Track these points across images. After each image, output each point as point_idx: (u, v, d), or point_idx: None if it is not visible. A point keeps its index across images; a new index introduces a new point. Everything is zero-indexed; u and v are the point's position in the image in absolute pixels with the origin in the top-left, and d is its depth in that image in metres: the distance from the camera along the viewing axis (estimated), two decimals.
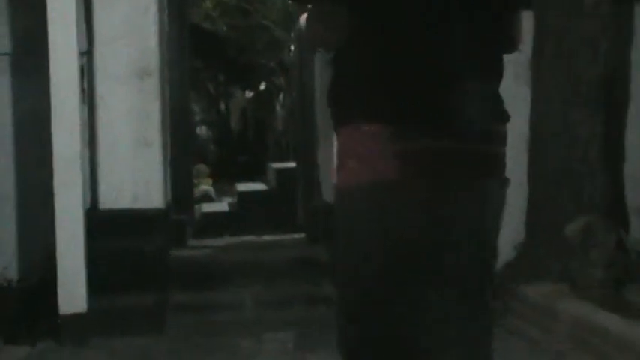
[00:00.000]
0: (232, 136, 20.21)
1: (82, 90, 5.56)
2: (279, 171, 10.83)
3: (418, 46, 1.94)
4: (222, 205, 11.15)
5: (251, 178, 13.65)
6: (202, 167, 14.23)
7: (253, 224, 8.40)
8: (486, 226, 2.04)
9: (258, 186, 11.90)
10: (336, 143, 2.08)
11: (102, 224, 5.43)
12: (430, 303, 1.98)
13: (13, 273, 5.85)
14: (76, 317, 4.97)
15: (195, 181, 12.92)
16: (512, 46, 2.12)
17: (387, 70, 1.95)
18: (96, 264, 5.15)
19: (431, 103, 1.94)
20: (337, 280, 2.07)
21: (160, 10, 5.86)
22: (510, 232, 4.90)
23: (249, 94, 20.35)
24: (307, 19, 2.11)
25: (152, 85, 5.65)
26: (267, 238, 7.54)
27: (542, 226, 5.40)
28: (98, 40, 5.62)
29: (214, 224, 8.98)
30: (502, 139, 2.04)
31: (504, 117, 2.05)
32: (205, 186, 12.96)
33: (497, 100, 2.06)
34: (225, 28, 16.22)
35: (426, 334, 1.99)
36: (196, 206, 10.29)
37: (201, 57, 15.25)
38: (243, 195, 10.63)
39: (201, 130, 21.00)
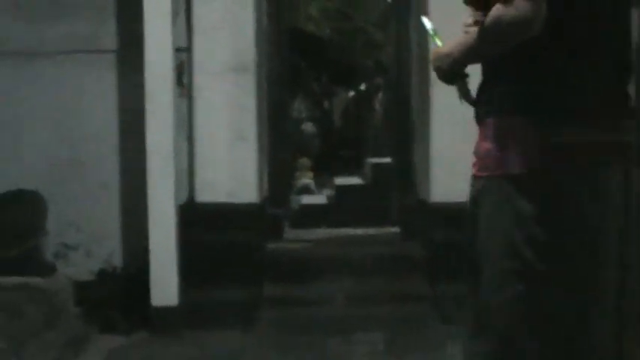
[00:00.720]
0: (334, 132, 19.90)
1: (182, 84, 5.18)
2: (376, 165, 10.24)
3: (576, 47, 1.96)
4: (320, 198, 10.61)
5: (350, 172, 13.12)
6: (305, 161, 13.75)
7: (349, 217, 7.85)
8: (630, 211, 2.01)
9: (355, 180, 11.35)
10: (480, 135, 2.04)
11: (197, 217, 4.97)
12: (571, 293, 1.93)
13: (117, 260, 5.48)
14: (167, 310, 4.52)
15: (297, 174, 12.47)
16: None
17: (549, 68, 1.95)
18: (190, 257, 4.70)
19: (579, 97, 1.95)
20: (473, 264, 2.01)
21: (257, 6, 5.35)
22: None
23: (350, 93, 20.03)
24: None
25: (248, 80, 5.14)
26: (361, 232, 6.96)
27: None
28: (196, 35, 5.15)
29: (312, 216, 8.47)
30: (633, 129, 2.05)
31: (632, 110, 2.06)
32: (307, 179, 12.49)
33: (628, 96, 2.07)
34: (328, 31, 15.88)
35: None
36: (296, 198, 9.83)
37: (305, 58, 14.89)
38: (340, 188, 10.09)
39: (307, 126, 20.73)
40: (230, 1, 5.13)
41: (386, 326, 4.59)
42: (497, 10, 1.90)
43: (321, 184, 12.87)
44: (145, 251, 4.89)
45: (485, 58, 2.05)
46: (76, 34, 5.38)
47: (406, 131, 6.65)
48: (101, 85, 5.44)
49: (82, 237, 5.45)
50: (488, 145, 1.99)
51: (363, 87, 18.96)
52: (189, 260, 4.69)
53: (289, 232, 7.01)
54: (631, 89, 2.10)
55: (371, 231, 6.98)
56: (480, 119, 2.05)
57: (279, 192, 6.81)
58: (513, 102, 1.96)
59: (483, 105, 2.04)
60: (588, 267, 1.95)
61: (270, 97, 6.38)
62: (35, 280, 4.23)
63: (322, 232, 7.13)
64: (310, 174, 13.25)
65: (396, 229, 6.70)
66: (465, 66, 2.11)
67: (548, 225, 1.91)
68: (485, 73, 2.07)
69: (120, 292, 5.12)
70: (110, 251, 5.46)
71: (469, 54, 2.05)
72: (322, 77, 19.18)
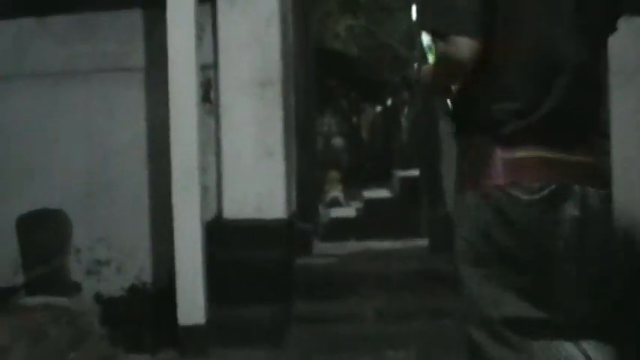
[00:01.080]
0: (362, 146, 19.70)
1: (209, 101, 4.93)
2: (403, 179, 9.96)
3: (543, 69, 1.90)
4: (349, 210, 10.35)
5: (378, 185, 12.83)
6: (334, 174, 13.51)
7: (378, 230, 7.55)
8: (590, 231, 1.94)
9: (383, 193, 11.07)
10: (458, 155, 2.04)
11: (225, 234, 4.70)
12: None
13: (147, 276, 5.24)
14: (194, 328, 4.25)
15: (327, 187, 12.21)
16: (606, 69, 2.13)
17: (511, 91, 1.90)
18: (218, 274, 4.42)
19: (544, 119, 1.90)
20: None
21: (283, 22, 5.09)
22: None
23: (378, 108, 19.84)
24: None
25: (275, 95, 4.88)
26: (389, 245, 6.65)
27: None
28: (222, 51, 4.90)
29: (342, 228, 8.20)
30: (600, 151, 2.00)
31: (603, 133, 2.09)
32: (336, 192, 12.24)
33: (598, 117, 2.00)
34: (355, 49, 15.68)
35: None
36: (326, 211, 9.57)
37: (334, 76, 14.72)
38: (369, 201, 9.83)
39: (336, 141, 20.58)
40: (256, 18, 4.88)
41: (416, 343, 4.26)
42: (441, 46, 1.94)
43: (350, 197, 12.64)
44: (173, 268, 4.64)
45: (443, 86, 2.06)
46: (104, 52, 5.19)
47: (434, 144, 6.36)
48: (129, 103, 5.23)
49: (112, 253, 5.25)
50: (460, 163, 2.01)
51: (389, 102, 18.72)
52: (217, 277, 4.42)
53: (318, 246, 6.72)
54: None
55: (399, 244, 6.68)
56: (456, 138, 2.05)
57: (308, 206, 6.52)
58: (474, 121, 1.95)
59: (460, 125, 2.04)
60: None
61: (298, 112, 6.12)
62: (60, 301, 3.98)
63: (351, 246, 6.83)
64: (339, 187, 13.01)
65: (424, 242, 6.38)
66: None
67: (512, 239, 1.91)
68: (460, 93, 2.04)
69: (149, 309, 4.88)
70: (140, 267, 5.22)
71: (433, 81, 2.09)
72: (351, 94, 18.97)
